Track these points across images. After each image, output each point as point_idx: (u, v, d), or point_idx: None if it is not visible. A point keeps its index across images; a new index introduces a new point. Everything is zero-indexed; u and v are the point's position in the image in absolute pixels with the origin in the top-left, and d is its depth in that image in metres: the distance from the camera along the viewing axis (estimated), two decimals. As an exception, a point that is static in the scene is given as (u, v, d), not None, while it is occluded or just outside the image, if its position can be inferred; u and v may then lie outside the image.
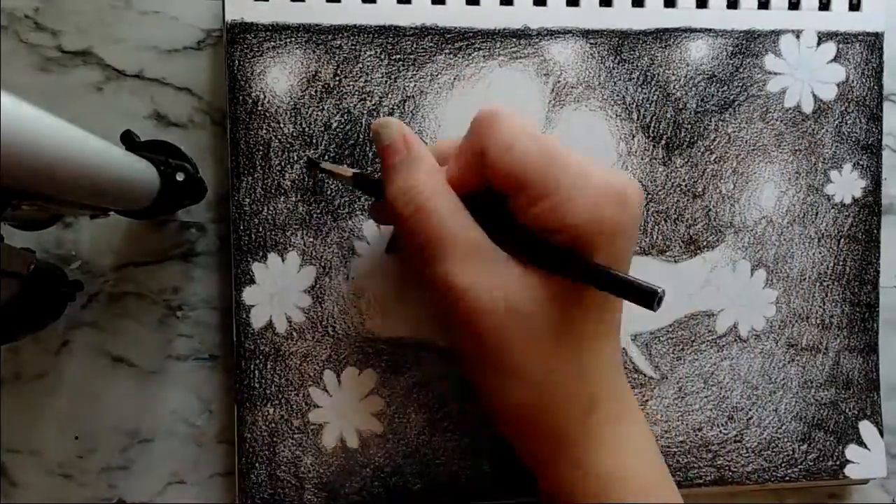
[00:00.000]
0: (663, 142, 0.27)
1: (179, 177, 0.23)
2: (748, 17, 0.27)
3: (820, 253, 0.28)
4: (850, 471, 0.27)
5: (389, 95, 0.26)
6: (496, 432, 0.23)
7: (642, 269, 0.27)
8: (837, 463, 0.27)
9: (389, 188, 0.20)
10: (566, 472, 0.20)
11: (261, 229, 0.25)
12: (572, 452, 0.20)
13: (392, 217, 0.21)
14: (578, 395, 0.20)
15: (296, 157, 0.25)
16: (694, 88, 0.27)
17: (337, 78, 0.25)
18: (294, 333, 0.25)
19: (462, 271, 0.19)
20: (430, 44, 0.26)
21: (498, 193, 0.20)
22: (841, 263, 0.28)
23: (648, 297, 0.17)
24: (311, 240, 0.25)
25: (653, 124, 0.27)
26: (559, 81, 0.26)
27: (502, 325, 0.19)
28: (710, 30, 0.27)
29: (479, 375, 0.21)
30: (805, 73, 0.27)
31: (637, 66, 0.27)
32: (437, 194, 0.20)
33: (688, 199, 0.27)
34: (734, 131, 0.27)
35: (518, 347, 0.19)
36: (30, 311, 0.21)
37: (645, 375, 0.27)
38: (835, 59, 0.27)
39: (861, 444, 0.28)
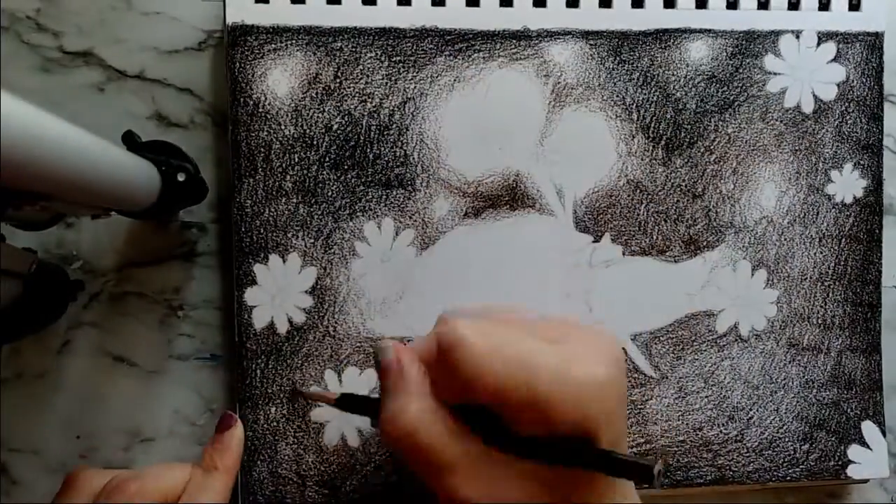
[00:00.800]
0: (663, 142, 0.27)
1: (180, 177, 0.23)
2: (748, 18, 0.27)
3: (821, 253, 0.28)
4: (852, 471, 0.27)
5: (390, 97, 0.26)
6: None
7: (642, 270, 0.27)
8: (840, 463, 0.27)
9: (383, 410, 0.21)
10: None
11: (262, 230, 0.25)
12: None
13: (386, 442, 0.21)
14: None
15: (297, 159, 0.25)
16: (694, 89, 0.27)
17: (337, 80, 0.25)
18: (295, 334, 0.25)
19: (463, 484, 0.19)
20: (431, 45, 0.26)
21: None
22: (842, 263, 0.28)
23: (647, 474, 0.18)
24: (312, 241, 0.25)
25: (653, 125, 0.27)
26: (559, 82, 0.26)
27: None
28: (709, 30, 0.27)
29: None
30: (805, 74, 0.27)
31: (637, 66, 0.27)
32: (424, 417, 0.20)
33: (688, 200, 0.27)
34: (734, 131, 0.27)
35: None
36: (31, 310, 0.21)
37: (645, 375, 0.27)
38: (835, 59, 0.27)
39: (863, 444, 0.27)
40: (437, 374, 0.20)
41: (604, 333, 0.21)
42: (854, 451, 0.27)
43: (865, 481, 0.28)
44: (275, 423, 0.25)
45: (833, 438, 0.27)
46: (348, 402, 0.22)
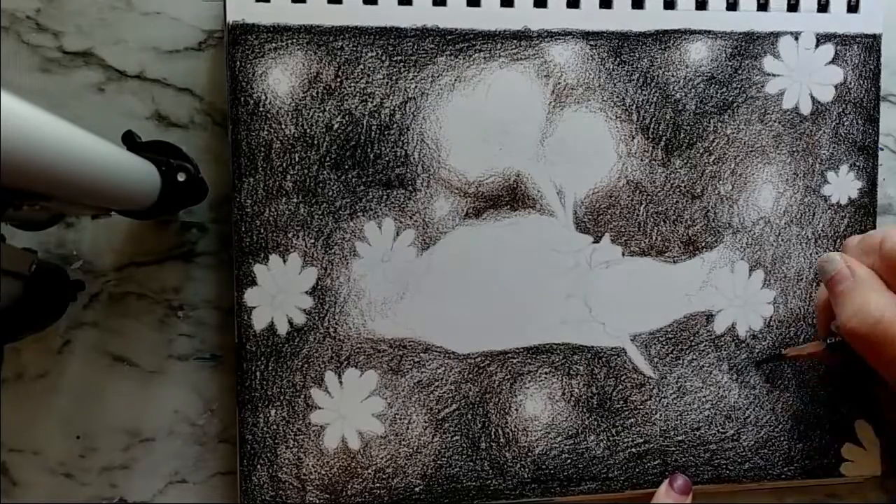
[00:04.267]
0: (662, 143, 0.27)
1: (180, 177, 0.23)
2: (747, 19, 0.27)
3: (817, 253, 0.28)
4: (845, 469, 0.28)
5: (391, 97, 0.26)
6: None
7: (642, 270, 0.27)
8: (833, 461, 0.28)
9: (842, 313, 0.22)
10: None
11: (262, 231, 0.25)
12: None
13: (852, 339, 0.22)
14: None
15: (297, 159, 0.25)
16: (693, 90, 0.27)
17: (338, 79, 0.25)
18: (295, 335, 0.25)
19: None
20: (431, 45, 0.26)
21: None
22: (838, 264, 0.28)
23: None
24: (313, 241, 0.25)
25: (652, 125, 0.27)
26: (559, 83, 0.26)
27: None
28: (709, 31, 0.27)
29: None
30: (803, 75, 0.27)
31: (637, 67, 0.27)
32: (889, 307, 0.21)
33: (687, 200, 0.27)
34: (733, 133, 0.27)
35: None
36: (31, 310, 0.21)
37: (644, 375, 0.27)
38: (833, 61, 0.28)
39: (856, 442, 0.28)
40: (886, 279, 0.22)
41: None
42: (847, 449, 0.28)
43: (859, 479, 0.28)
44: (275, 426, 0.25)
45: (827, 437, 0.28)
46: (838, 347, 0.24)
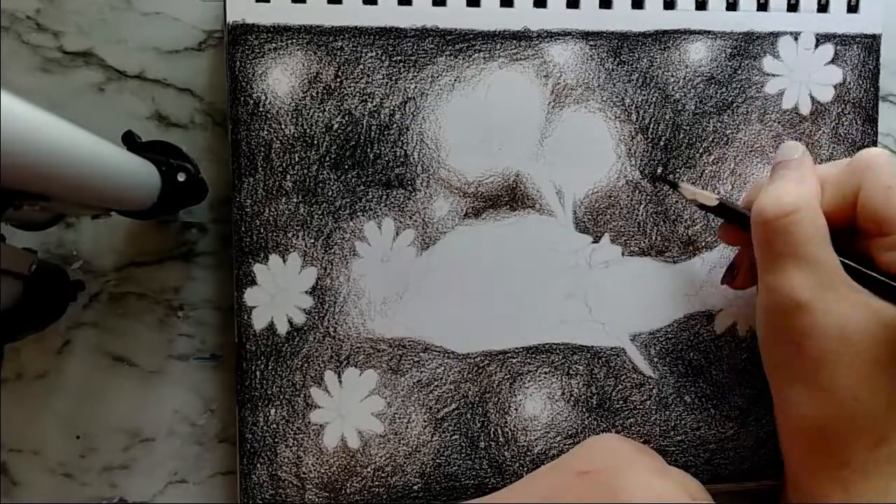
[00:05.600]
0: (662, 143, 0.27)
1: (181, 177, 0.23)
2: (747, 19, 0.27)
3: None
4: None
5: (390, 97, 0.26)
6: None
7: (641, 270, 0.27)
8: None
9: (764, 193, 0.21)
10: (828, 491, 0.21)
11: (262, 230, 0.25)
12: (843, 475, 0.20)
13: (755, 216, 0.21)
14: (875, 427, 0.20)
15: (297, 159, 0.25)
16: (693, 90, 0.27)
17: (338, 79, 0.25)
18: (295, 334, 0.25)
19: (808, 287, 0.20)
20: (431, 45, 0.26)
21: (856, 231, 0.20)
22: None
23: None
24: (313, 241, 0.25)
25: (652, 126, 0.27)
26: (559, 83, 0.26)
27: (830, 348, 0.20)
28: (708, 32, 0.27)
29: (783, 381, 0.22)
30: (803, 75, 0.27)
31: (636, 67, 0.27)
32: (809, 208, 0.20)
33: (686, 201, 0.27)
34: (732, 133, 0.27)
35: (837, 371, 0.20)
36: (31, 310, 0.21)
37: (644, 375, 0.27)
38: (832, 61, 0.28)
39: None
40: (830, 190, 0.21)
41: None
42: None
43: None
44: (274, 426, 0.25)
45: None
46: (726, 208, 0.23)
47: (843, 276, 0.20)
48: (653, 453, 0.24)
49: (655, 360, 0.27)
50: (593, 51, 0.26)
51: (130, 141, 0.23)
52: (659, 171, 0.26)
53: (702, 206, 0.24)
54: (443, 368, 0.26)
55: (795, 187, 0.21)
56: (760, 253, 0.21)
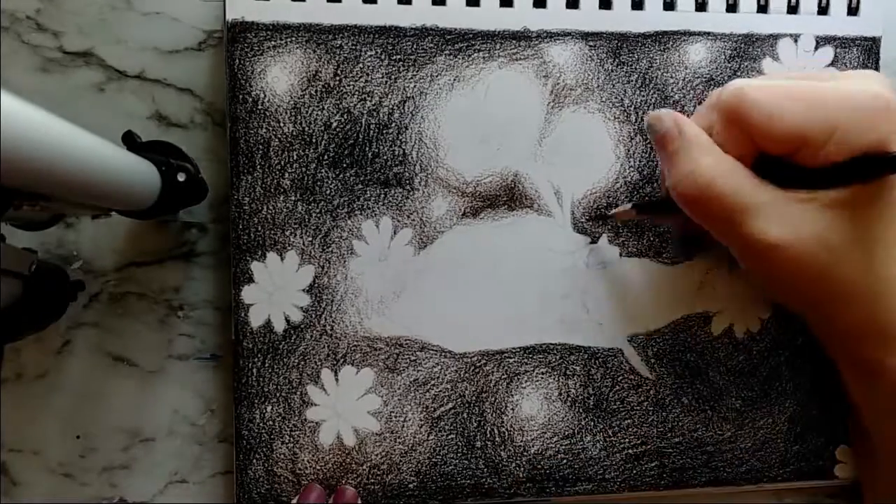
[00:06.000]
0: (661, 144, 0.27)
1: (181, 177, 0.23)
2: (747, 21, 0.27)
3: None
4: (839, 471, 0.28)
5: (389, 96, 0.26)
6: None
7: (639, 271, 0.27)
8: (827, 463, 0.28)
9: (674, 175, 0.21)
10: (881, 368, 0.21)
11: (260, 228, 0.25)
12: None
13: (682, 203, 0.22)
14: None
15: (295, 157, 0.25)
16: (692, 91, 0.27)
17: (337, 78, 0.25)
18: (292, 332, 0.25)
19: (768, 227, 0.20)
20: (431, 44, 0.26)
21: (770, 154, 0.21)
22: (836, 265, 0.28)
23: None
24: (310, 239, 0.25)
25: (651, 126, 0.27)
26: (558, 83, 0.26)
27: (819, 261, 0.20)
28: (708, 33, 0.27)
29: (809, 310, 0.23)
30: (802, 77, 0.27)
31: (636, 68, 0.27)
32: (718, 167, 0.21)
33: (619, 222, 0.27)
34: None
35: (838, 275, 0.21)
36: (31, 310, 0.21)
37: (641, 376, 0.27)
38: (832, 64, 0.28)
39: (850, 444, 0.28)
40: (721, 137, 0.21)
41: (867, 72, 0.22)
42: (841, 451, 0.28)
43: (852, 481, 0.28)
44: (270, 422, 0.25)
45: (821, 439, 0.28)
46: (645, 207, 0.24)
47: (788, 199, 0.21)
48: None
49: (653, 361, 0.27)
50: (593, 51, 0.26)
51: (130, 141, 0.23)
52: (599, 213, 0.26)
53: (627, 220, 0.26)
54: (439, 368, 0.26)
55: (696, 158, 0.21)
56: (709, 225, 0.22)
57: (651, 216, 0.26)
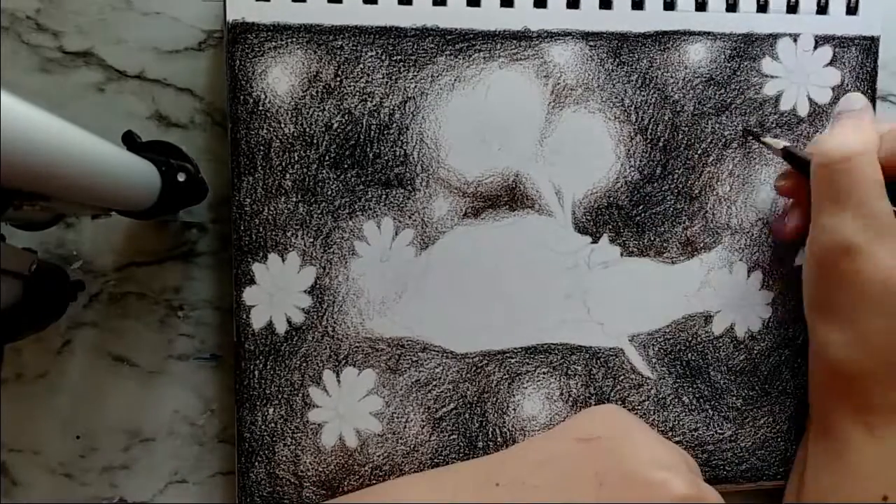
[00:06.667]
0: (661, 144, 0.27)
1: (181, 177, 0.23)
2: (746, 21, 0.27)
3: (815, 254, 0.28)
4: (842, 470, 0.28)
5: (390, 96, 0.26)
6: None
7: (640, 271, 0.27)
8: (830, 462, 0.28)
9: (827, 137, 0.22)
10: (853, 433, 0.22)
11: (261, 229, 0.25)
12: (869, 419, 0.22)
13: (815, 161, 0.22)
14: None
15: (296, 158, 0.25)
16: (692, 91, 0.27)
17: (338, 78, 0.25)
18: (294, 334, 0.25)
19: (859, 232, 0.21)
20: (431, 45, 0.26)
21: None
22: (836, 265, 0.28)
23: None
24: (312, 240, 0.25)
25: (651, 126, 0.27)
26: (559, 83, 0.26)
27: (871, 294, 0.21)
28: (708, 33, 0.27)
29: (822, 323, 0.23)
30: (801, 77, 0.27)
31: (636, 68, 0.27)
32: (868, 154, 0.21)
33: (685, 201, 0.27)
34: (731, 134, 0.27)
35: (875, 318, 0.21)
36: (31, 310, 0.21)
37: (642, 376, 0.27)
38: (831, 63, 0.28)
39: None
40: (885, 145, 0.22)
41: None
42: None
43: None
44: (272, 424, 0.25)
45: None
46: (792, 155, 0.25)
47: (894, 226, 0.21)
48: (647, 425, 0.24)
49: (654, 360, 0.27)
50: (593, 51, 0.26)
51: (130, 141, 0.23)
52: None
53: (771, 150, 0.26)
54: (441, 368, 0.26)
55: (856, 135, 0.22)
56: (817, 195, 0.22)
57: (791, 165, 0.25)
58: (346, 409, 0.26)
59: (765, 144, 0.26)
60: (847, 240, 0.21)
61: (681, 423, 0.27)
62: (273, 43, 0.25)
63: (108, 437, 0.26)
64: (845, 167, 0.21)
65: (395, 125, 0.26)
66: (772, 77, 0.27)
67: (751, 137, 0.27)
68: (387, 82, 0.26)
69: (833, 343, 0.22)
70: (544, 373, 0.26)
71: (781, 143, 0.25)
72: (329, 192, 0.25)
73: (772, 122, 0.27)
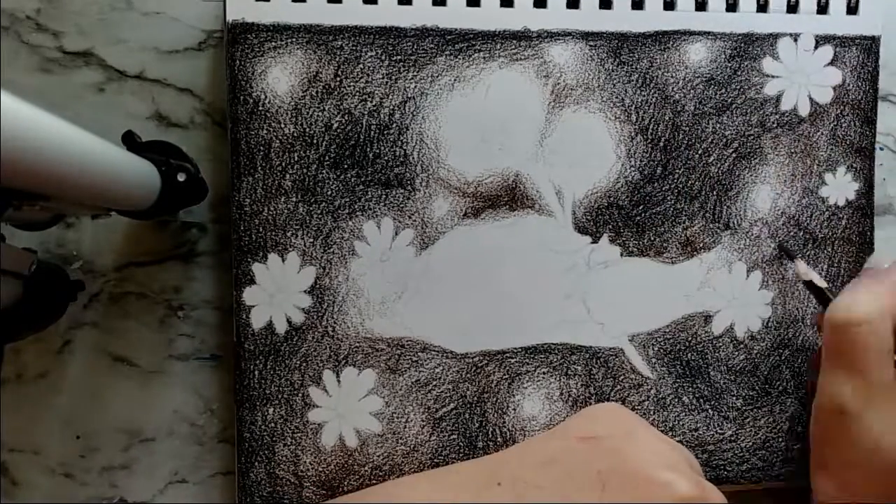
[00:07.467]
0: (661, 144, 0.27)
1: (180, 177, 0.23)
2: (747, 21, 0.27)
3: (815, 255, 0.28)
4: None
5: (390, 96, 0.26)
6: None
7: (640, 271, 0.27)
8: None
9: (841, 296, 0.22)
10: None
11: (261, 229, 0.25)
12: None
13: (827, 321, 0.23)
14: None
15: (296, 158, 0.25)
16: (692, 91, 0.27)
17: (338, 78, 0.25)
18: (294, 334, 0.25)
19: (854, 398, 0.21)
20: (431, 45, 0.26)
21: None
22: (835, 265, 0.28)
23: None
24: (311, 240, 0.25)
25: (651, 126, 0.27)
26: (559, 83, 0.26)
27: (862, 457, 0.21)
28: (708, 33, 0.27)
29: (834, 459, 0.23)
30: (802, 77, 0.27)
31: (636, 68, 0.27)
32: (878, 321, 0.21)
33: (685, 201, 0.27)
34: (731, 134, 0.27)
35: (867, 477, 0.21)
36: (31, 310, 0.21)
37: (642, 376, 0.27)
38: (831, 63, 0.28)
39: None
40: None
41: None
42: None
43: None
44: (272, 424, 0.25)
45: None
46: (813, 287, 0.25)
47: (892, 392, 0.21)
48: (648, 423, 0.24)
49: (653, 360, 0.27)
50: (593, 51, 0.26)
51: (130, 141, 0.23)
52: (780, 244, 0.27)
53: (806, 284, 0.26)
54: (441, 368, 0.26)
55: (870, 299, 0.22)
56: (825, 350, 0.23)
57: (817, 300, 0.26)
58: (346, 409, 0.26)
59: (795, 269, 0.27)
60: (841, 404, 0.22)
61: (681, 423, 0.27)
62: (273, 43, 0.25)
63: (107, 437, 0.26)
64: (852, 333, 0.21)
65: (394, 125, 0.26)
66: (772, 77, 0.27)
67: (784, 255, 0.27)
68: (387, 82, 0.26)
69: (824, 490, 0.23)
70: (544, 373, 0.26)
71: (807, 275, 0.25)
72: (329, 193, 0.25)
73: (773, 122, 0.27)
